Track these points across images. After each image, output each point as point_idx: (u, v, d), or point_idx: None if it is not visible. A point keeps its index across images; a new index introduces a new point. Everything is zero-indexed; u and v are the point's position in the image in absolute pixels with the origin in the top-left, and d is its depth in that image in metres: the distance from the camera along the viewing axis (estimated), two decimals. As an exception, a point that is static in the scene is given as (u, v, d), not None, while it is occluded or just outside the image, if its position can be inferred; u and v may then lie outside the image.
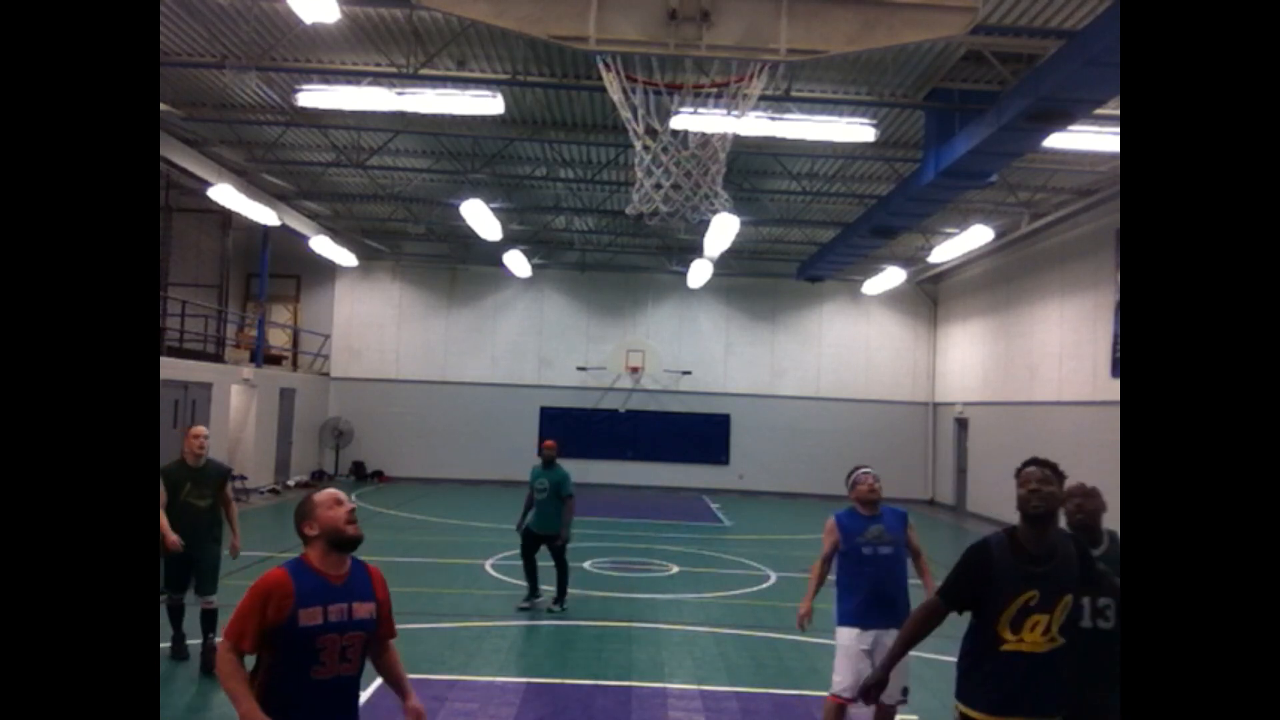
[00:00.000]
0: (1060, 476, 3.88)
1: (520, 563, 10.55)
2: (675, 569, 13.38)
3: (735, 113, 7.71)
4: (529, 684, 7.75)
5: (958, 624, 3.96)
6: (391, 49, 12.13)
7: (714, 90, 7.83)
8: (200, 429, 7.94)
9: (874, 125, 13.42)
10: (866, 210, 18.22)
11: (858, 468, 6.22)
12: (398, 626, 3.74)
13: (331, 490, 3.64)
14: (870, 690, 4.04)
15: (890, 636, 5.83)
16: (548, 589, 10.44)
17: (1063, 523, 5.04)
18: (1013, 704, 3.77)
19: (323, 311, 26.48)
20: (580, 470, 25.99)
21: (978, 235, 17.87)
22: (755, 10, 7.04)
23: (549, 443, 10.60)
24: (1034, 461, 3.87)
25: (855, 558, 5.95)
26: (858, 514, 6.06)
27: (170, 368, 16.63)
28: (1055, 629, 3.76)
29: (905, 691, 5.87)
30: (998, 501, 21.76)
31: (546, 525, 10.29)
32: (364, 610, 3.53)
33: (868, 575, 5.90)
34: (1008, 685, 3.77)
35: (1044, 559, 3.78)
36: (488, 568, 12.60)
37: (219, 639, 4.02)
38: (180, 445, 8.01)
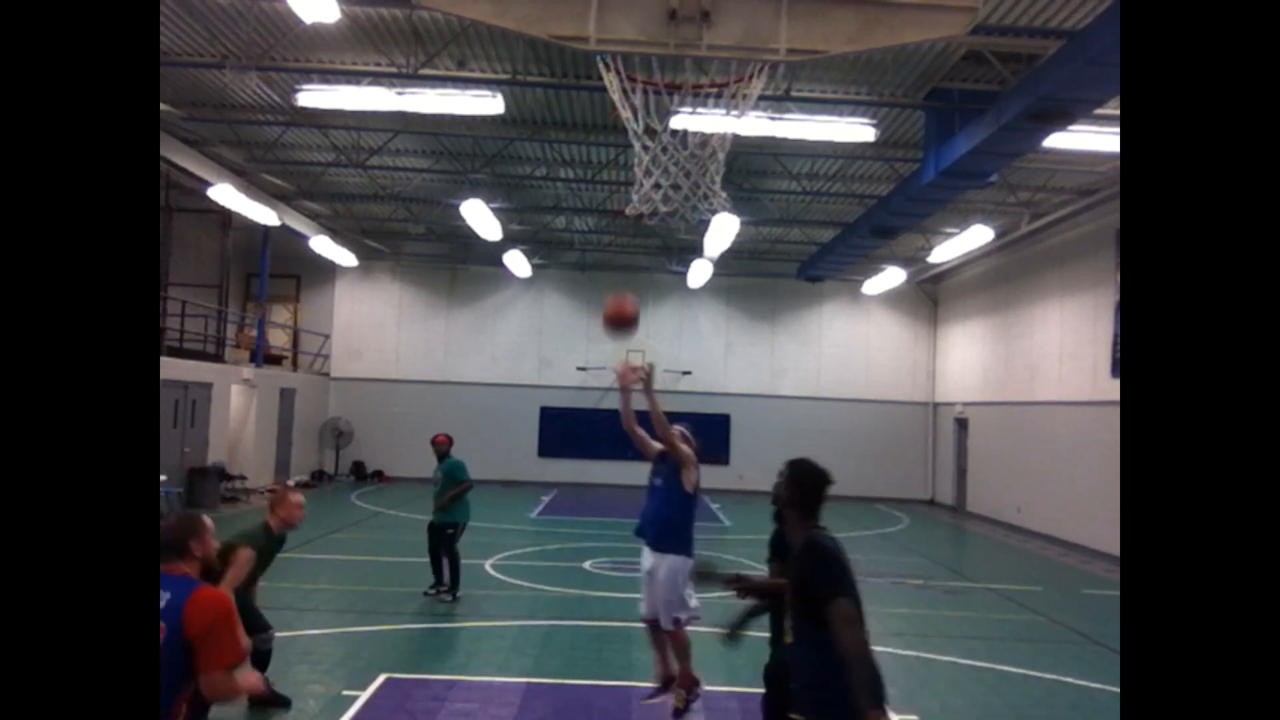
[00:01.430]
0: (793, 473, 3.90)
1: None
2: (675, 569, 13.35)
3: (735, 113, 7.70)
4: (529, 684, 7.74)
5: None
6: (391, 49, 12.13)
7: (714, 90, 7.82)
8: (300, 496, 6.95)
9: (874, 125, 13.41)
10: (866, 210, 18.22)
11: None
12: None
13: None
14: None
15: (651, 557, 6.83)
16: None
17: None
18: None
19: (323, 311, 26.49)
20: (580, 470, 26.25)
21: (978, 235, 17.87)
22: (755, 10, 7.05)
23: (439, 437, 11.08)
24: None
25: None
26: None
27: (170, 368, 16.64)
28: (787, 625, 3.83)
29: (676, 622, 6.69)
30: (998, 501, 21.78)
31: (440, 516, 10.71)
32: None
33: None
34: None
35: (793, 556, 3.85)
36: (488, 568, 12.60)
37: (248, 670, 3.71)
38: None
